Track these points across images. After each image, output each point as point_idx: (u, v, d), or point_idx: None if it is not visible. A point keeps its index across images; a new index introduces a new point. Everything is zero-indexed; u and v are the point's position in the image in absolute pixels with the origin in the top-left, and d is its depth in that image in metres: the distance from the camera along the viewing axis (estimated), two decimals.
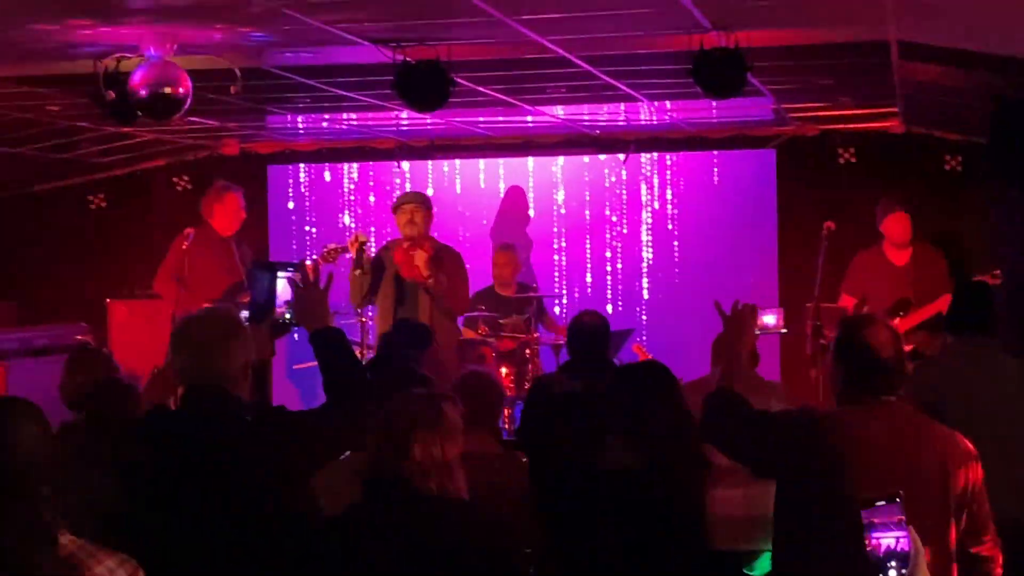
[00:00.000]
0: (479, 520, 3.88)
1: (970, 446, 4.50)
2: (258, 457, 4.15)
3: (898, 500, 2.78)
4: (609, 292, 11.96)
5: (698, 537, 5.08)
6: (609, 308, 11.75)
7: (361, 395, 4.28)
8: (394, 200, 9.62)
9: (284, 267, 4.67)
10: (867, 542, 2.80)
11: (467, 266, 9.57)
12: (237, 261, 9.50)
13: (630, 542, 4.88)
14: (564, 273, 12.06)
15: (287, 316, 4.65)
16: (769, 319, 6.36)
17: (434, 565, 3.71)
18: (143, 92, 6.54)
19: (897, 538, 2.80)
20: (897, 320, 9.00)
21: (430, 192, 11.59)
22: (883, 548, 2.81)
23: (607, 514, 5.09)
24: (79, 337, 10.38)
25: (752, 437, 4.66)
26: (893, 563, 2.83)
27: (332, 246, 9.47)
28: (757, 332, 5.36)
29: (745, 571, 5.37)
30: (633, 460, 4.83)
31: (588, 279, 12.01)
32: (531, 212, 12.11)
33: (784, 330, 8.14)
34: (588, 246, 12.02)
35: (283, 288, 4.64)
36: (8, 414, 3.20)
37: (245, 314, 4.61)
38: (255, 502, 4.12)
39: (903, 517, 2.78)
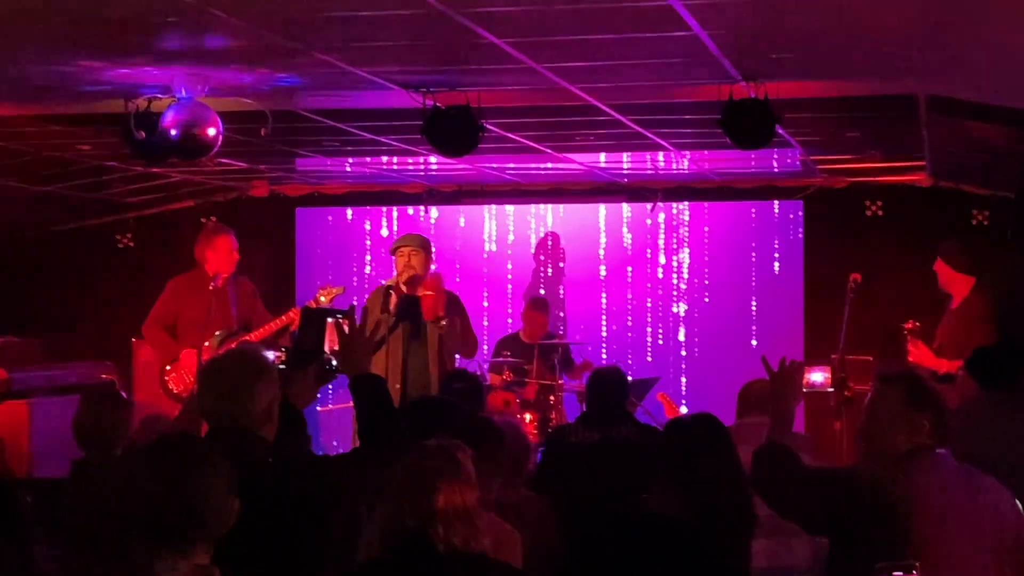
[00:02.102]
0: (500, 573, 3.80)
1: (1015, 498, 4.50)
2: (279, 500, 4.15)
3: (914, 571, 2.78)
4: (642, 340, 11.94)
5: None
6: (642, 357, 11.74)
7: (398, 444, 4.28)
8: (392, 243, 9.56)
9: (333, 314, 4.69)
10: None
11: (494, 312, 9.56)
12: (231, 306, 9.46)
13: None
14: (605, 319, 12.06)
15: (333, 362, 4.65)
16: (816, 377, 6.33)
17: None
18: (174, 133, 6.57)
19: None
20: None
21: (457, 236, 11.63)
22: None
23: (646, 561, 5.06)
24: (104, 376, 10.41)
25: (806, 493, 4.64)
26: None
27: (325, 288, 9.52)
28: (804, 389, 5.32)
29: None
30: (681, 509, 4.81)
31: (613, 327, 12.00)
32: (561, 263, 12.12)
33: (831, 388, 8.14)
34: (604, 295, 12.02)
35: (329, 333, 4.65)
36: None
37: (272, 355, 4.61)
38: (274, 544, 4.12)
39: None
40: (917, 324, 9.32)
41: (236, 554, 4.10)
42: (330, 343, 4.65)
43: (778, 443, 4.74)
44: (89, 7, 5.10)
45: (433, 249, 9.34)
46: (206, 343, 9.22)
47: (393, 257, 9.16)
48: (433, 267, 9.36)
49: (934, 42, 5.50)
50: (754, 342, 11.34)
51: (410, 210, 12.24)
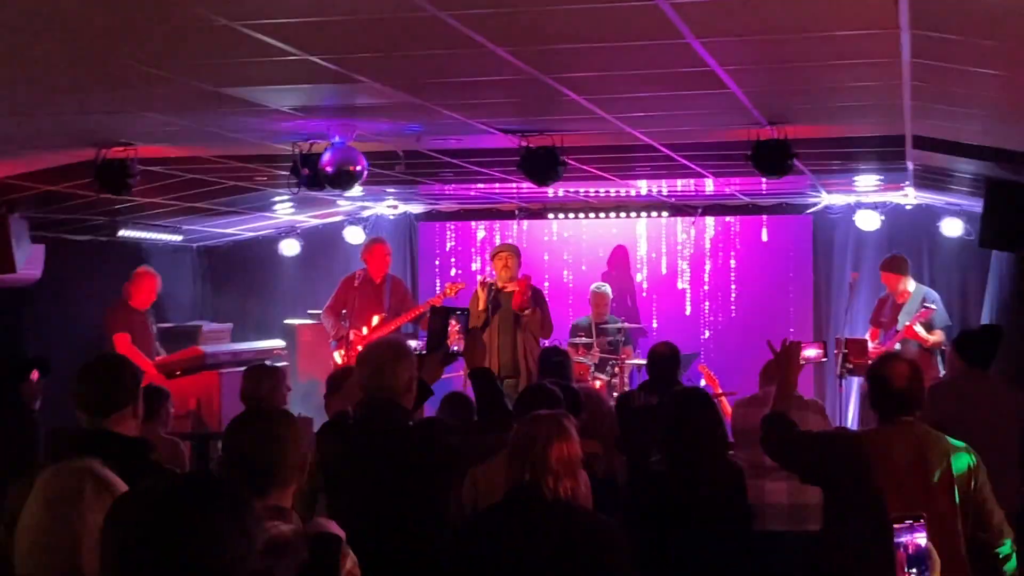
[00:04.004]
0: (601, 525, 3.74)
1: (974, 454, 4.44)
2: (415, 455, 4.20)
3: (922, 520, 2.73)
4: (680, 324, 11.90)
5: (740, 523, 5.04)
6: (680, 336, 11.70)
7: (504, 417, 4.32)
8: (493, 249, 9.78)
9: (454, 312, 4.75)
10: (894, 552, 2.76)
11: (568, 300, 9.61)
12: (384, 298, 9.65)
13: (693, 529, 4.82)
14: (645, 307, 12.04)
15: (454, 349, 4.72)
16: (811, 352, 6.31)
17: (562, 558, 3.59)
18: (330, 170, 6.63)
19: (920, 547, 2.75)
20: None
21: (544, 242, 11.67)
22: (907, 557, 2.76)
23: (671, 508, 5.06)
24: (276, 351, 10.56)
25: (801, 453, 4.65)
26: (914, 570, 2.78)
27: (451, 284, 9.74)
28: (802, 363, 5.30)
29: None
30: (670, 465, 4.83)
31: (664, 312, 11.97)
32: (631, 268, 12.13)
33: (824, 359, 8.13)
34: (664, 288, 12.00)
35: (453, 326, 4.72)
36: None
37: (415, 344, 4.70)
38: (411, 492, 4.16)
39: (925, 533, 2.73)
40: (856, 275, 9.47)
41: (380, 499, 4.17)
42: (451, 334, 4.72)
43: (779, 412, 4.74)
44: (263, 74, 5.18)
45: (519, 253, 9.48)
46: (365, 327, 9.42)
47: (492, 260, 9.29)
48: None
49: (917, 96, 5.45)
50: (774, 327, 11.25)
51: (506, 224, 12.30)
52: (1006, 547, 4.43)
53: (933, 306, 9.34)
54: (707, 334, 11.81)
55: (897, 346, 9.05)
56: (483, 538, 3.74)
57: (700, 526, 4.73)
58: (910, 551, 2.80)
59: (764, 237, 11.71)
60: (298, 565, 2.89)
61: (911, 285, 9.57)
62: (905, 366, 4.56)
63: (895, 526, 2.78)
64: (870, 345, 9.27)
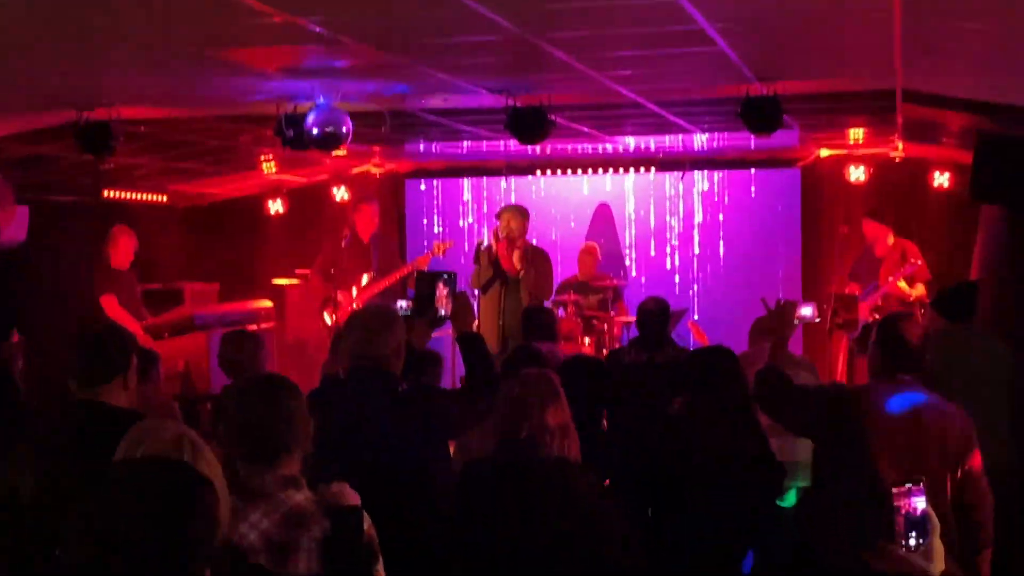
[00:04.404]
0: (589, 479, 3.82)
1: (965, 415, 4.44)
2: (404, 420, 4.17)
3: (922, 484, 2.72)
4: (668, 279, 11.90)
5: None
6: (668, 292, 11.70)
7: (493, 381, 4.31)
8: (498, 210, 9.67)
9: (441, 276, 4.71)
10: (892, 516, 2.75)
11: (556, 258, 9.58)
12: (373, 259, 9.62)
13: (694, 474, 4.82)
14: (633, 264, 12.01)
15: (442, 312, 4.68)
16: (806, 311, 6.27)
17: (554, 508, 3.64)
18: (315, 131, 6.58)
19: (919, 511, 2.74)
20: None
21: (531, 199, 11.63)
22: (905, 521, 2.75)
23: (669, 452, 5.07)
24: (264, 312, 10.52)
25: (793, 407, 4.66)
26: (913, 532, 2.77)
27: (439, 242, 9.70)
28: (796, 322, 5.29)
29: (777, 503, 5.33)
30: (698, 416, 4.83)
31: (652, 269, 11.96)
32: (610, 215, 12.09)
33: (818, 319, 8.11)
34: (653, 243, 11.98)
35: (440, 290, 4.67)
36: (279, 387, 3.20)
37: (404, 304, 4.66)
38: (402, 459, 4.15)
39: (924, 497, 2.72)
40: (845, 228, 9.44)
41: (372, 464, 4.15)
42: (440, 299, 4.67)
43: (773, 367, 4.74)
44: (250, 37, 5.12)
45: (527, 215, 9.34)
46: (354, 287, 9.41)
47: (497, 221, 9.22)
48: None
49: (907, 50, 5.41)
50: (762, 282, 11.24)
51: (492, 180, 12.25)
52: (985, 518, 4.42)
53: (918, 261, 9.35)
54: (696, 289, 11.79)
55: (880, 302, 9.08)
56: (478, 495, 3.77)
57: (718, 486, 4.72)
58: (909, 515, 2.80)
59: (753, 192, 11.67)
60: (320, 536, 2.89)
61: (891, 239, 9.57)
62: (919, 327, 4.59)
63: (894, 490, 2.77)
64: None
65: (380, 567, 2.99)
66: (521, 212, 9.29)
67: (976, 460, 4.38)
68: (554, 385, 3.81)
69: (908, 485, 2.75)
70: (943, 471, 4.30)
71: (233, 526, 2.83)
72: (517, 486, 3.67)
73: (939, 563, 2.82)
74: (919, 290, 9.27)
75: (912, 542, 2.70)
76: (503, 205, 10.16)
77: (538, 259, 9.14)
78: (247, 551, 2.82)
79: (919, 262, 9.30)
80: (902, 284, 9.18)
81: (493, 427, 3.85)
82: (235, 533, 2.82)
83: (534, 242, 9.65)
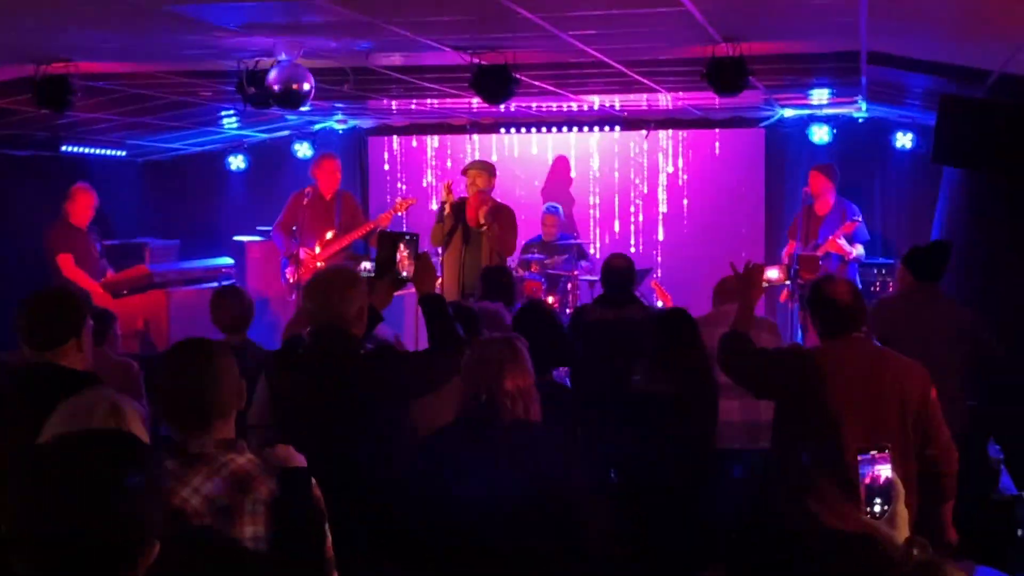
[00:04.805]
0: (552, 437, 3.85)
1: (923, 369, 4.48)
2: (366, 382, 4.15)
3: (886, 450, 2.74)
4: (632, 239, 11.90)
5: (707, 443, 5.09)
6: (632, 250, 11.71)
7: (457, 343, 4.28)
8: (464, 166, 9.60)
9: (403, 236, 4.65)
10: (858, 481, 2.77)
11: (521, 217, 9.53)
12: (335, 216, 9.53)
13: (653, 444, 4.86)
14: (597, 223, 12.00)
15: (403, 274, 4.63)
16: (772, 274, 6.27)
17: (520, 472, 3.65)
18: (277, 88, 6.49)
19: (883, 478, 2.76)
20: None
21: (494, 158, 11.56)
22: (870, 488, 2.77)
23: (632, 420, 5.09)
24: (224, 269, 10.43)
25: (756, 369, 4.69)
26: (878, 499, 2.79)
27: (401, 200, 9.63)
28: (765, 284, 5.30)
29: None
30: (659, 387, 4.84)
31: (616, 228, 11.95)
32: (573, 174, 12.05)
33: (787, 282, 8.14)
34: (616, 202, 11.96)
35: (402, 251, 4.62)
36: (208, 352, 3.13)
37: (369, 266, 4.61)
38: (365, 421, 4.13)
39: (889, 464, 2.74)
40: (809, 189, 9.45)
41: (333, 429, 4.13)
42: (401, 259, 4.62)
43: (738, 331, 4.77)
44: None
45: (493, 171, 9.28)
46: (317, 245, 9.33)
47: (464, 177, 9.15)
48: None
49: (873, 12, 5.38)
50: (726, 241, 11.27)
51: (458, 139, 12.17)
52: (949, 468, 4.48)
53: (858, 218, 9.40)
54: (659, 249, 11.80)
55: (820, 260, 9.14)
56: (440, 459, 3.76)
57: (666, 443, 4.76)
58: (873, 482, 2.82)
59: (717, 151, 11.66)
60: (266, 497, 2.85)
61: (833, 197, 9.62)
62: (845, 284, 4.65)
63: (859, 457, 2.79)
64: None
65: (327, 529, 2.95)
66: (487, 168, 9.23)
67: (936, 410, 4.42)
68: (514, 348, 3.79)
69: (873, 452, 2.76)
70: (904, 424, 4.34)
71: (175, 491, 2.79)
72: (478, 449, 3.67)
73: (903, 529, 2.85)
74: (859, 249, 9.35)
75: (877, 508, 2.72)
76: (469, 160, 10.10)
77: (502, 215, 9.08)
78: (191, 515, 2.78)
79: (859, 219, 9.37)
80: (842, 242, 9.25)
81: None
82: (177, 498, 2.79)
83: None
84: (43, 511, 1.87)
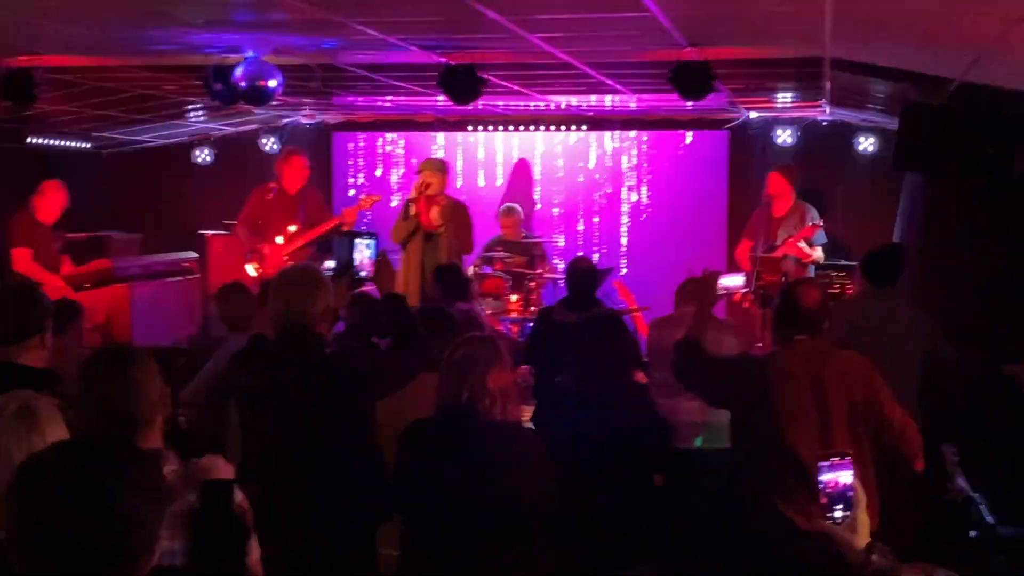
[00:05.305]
0: (531, 437, 3.89)
1: (862, 359, 4.51)
2: (332, 382, 4.15)
3: (847, 457, 2.77)
4: (596, 238, 11.93)
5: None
6: (595, 250, 11.76)
7: (417, 344, 4.30)
8: (417, 166, 9.54)
9: (361, 235, 4.66)
10: (819, 489, 2.79)
11: (482, 214, 9.50)
12: (300, 211, 9.49)
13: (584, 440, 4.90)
14: (561, 222, 12.03)
15: (362, 274, 4.64)
16: (729, 281, 6.33)
17: (498, 472, 3.69)
18: (244, 84, 6.47)
19: (843, 485, 2.80)
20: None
21: (459, 156, 11.59)
22: (831, 494, 2.80)
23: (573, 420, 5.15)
24: (187, 263, 10.38)
25: (706, 378, 4.74)
26: (839, 506, 2.83)
27: (367, 196, 9.59)
28: (722, 292, 5.35)
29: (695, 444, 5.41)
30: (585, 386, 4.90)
31: (580, 227, 11.99)
32: (537, 175, 12.06)
33: (745, 290, 8.16)
34: (581, 202, 11.99)
35: (360, 251, 4.63)
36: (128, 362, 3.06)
37: (326, 266, 4.62)
38: (330, 421, 4.13)
39: (850, 470, 2.77)
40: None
41: (299, 429, 4.13)
42: (360, 259, 4.63)
43: (691, 338, 4.81)
44: None
45: (446, 170, 9.26)
46: (280, 238, 9.30)
47: (417, 177, 9.13)
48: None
49: (838, 20, 5.44)
50: (688, 241, 11.32)
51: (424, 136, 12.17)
52: (914, 444, 4.49)
53: (819, 223, 9.48)
54: (623, 249, 11.85)
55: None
56: (419, 458, 3.77)
57: (609, 444, 4.81)
58: (834, 489, 2.85)
59: (681, 152, 11.72)
60: (185, 510, 2.78)
61: (791, 199, 9.68)
62: (817, 291, 4.67)
63: (819, 464, 2.83)
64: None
65: (254, 543, 2.87)
66: (440, 166, 9.18)
67: (883, 393, 4.44)
68: (496, 348, 3.81)
69: (834, 459, 2.80)
70: (853, 423, 4.37)
71: None
72: (457, 449, 3.69)
73: (863, 535, 2.89)
74: (818, 253, 9.43)
75: (838, 515, 2.76)
76: (423, 160, 10.06)
77: (457, 214, 9.07)
78: None
79: (819, 223, 9.44)
80: (802, 245, 9.31)
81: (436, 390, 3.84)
82: None
83: (459, 198, 9.59)
84: (42, 519, 1.87)
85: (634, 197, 11.83)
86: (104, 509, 1.88)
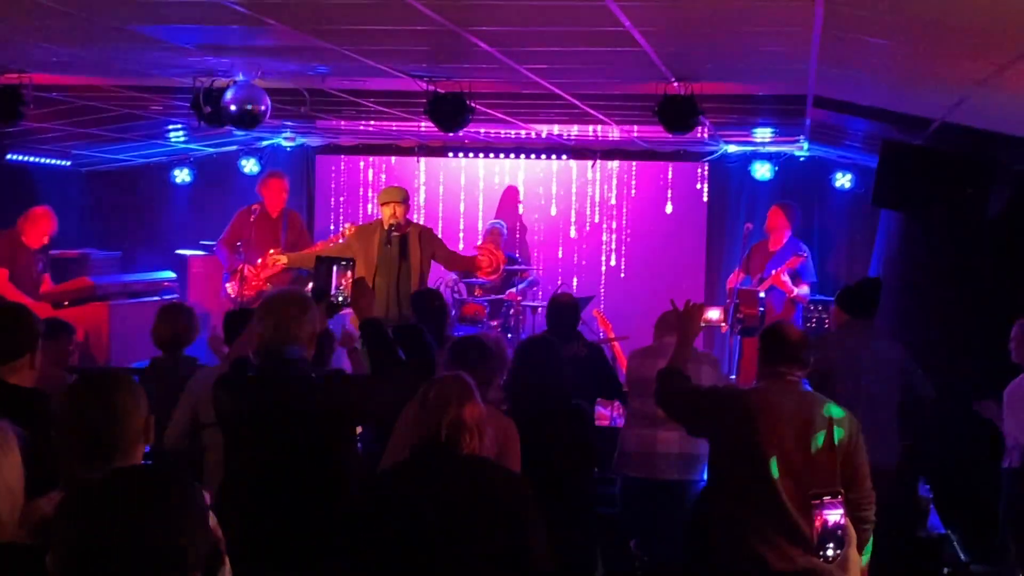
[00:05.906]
0: (512, 477, 3.89)
1: (850, 415, 4.56)
2: (316, 405, 4.16)
3: (839, 496, 2.81)
4: (575, 267, 11.98)
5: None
6: (575, 279, 11.81)
7: (401, 371, 4.32)
8: (380, 195, 9.23)
9: (338, 261, 4.66)
10: (814, 524, 2.82)
11: (466, 240, 9.44)
12: (281, 233, 9.50)
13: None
14: (541, 250, 12.08)
15: (340, 299, 4.64)
16: (713, 314, 6.37)
17: (473, 509, 3.68)
18: (233, 108, 6.48)
19: (834, 523, 2.83)
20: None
21: (441, 181, 11.62)
22: (822, 532, 2.83)
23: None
24: (166, 283, 10.36)
25: (690, 408, 4.78)
26: (830, 544, 2.86)
27: (349, 225, 9.50)
28: (703, 325, 5.40)
29: None
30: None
31: (560, 255, 12.04)
32: (520, 207, 12.11)
33: (724, 323, 8.19)
34: (560, 231, 12.05)
35: (336, 277, 4.62)
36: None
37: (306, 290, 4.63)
38: (314, 446, 4.13)
39: (840, 509, 2.80)
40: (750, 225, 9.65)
41: (283, 454, 4.13)
42: (337, 282, 4.62)
43: (673, 367, 4.85)
44: (173, 13, 5.03)
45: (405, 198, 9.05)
46: (260, 260, 9.29)
47: (381, 207, 8.87)
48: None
49: (823, 60, 5.53)
50: (667, 273, 11.38)
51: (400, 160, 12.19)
52: (870, 515, 4.52)
53: (804, 254, 9.57)
54: (603, 279, 11.90)
55: (762, 294, 9.25)
56: (396, 495, 3.75)
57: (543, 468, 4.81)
58: (825, 527, 2.89)
59: (661, 184, 11.80)
60: None
61: (787, 236, 9.80)
62: (797, 328, 4.77)
63: (812, 502, 2.85)
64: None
65: (226, 570, 2.81)
66: (404, 195, 8.84)
67: (862, 456, 4.48)
68: (469, 384, 3.84)
69: (825, 498, 2.83)
70: (834, 468, 4.40)
71: None
72: (432, 485, 3.69)
73: (854, 573, 2.92)
74: (804, 289, 9.51)
75: (829, 553, 2.78)
76: (383, 190, 9.69)
77: (430, 238, 8.84)
78: None
79: (805, 255, 9.54)
80: (785, 278, 9.39)
81: (412, 426, 3.86)
82: None
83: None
84: (101, 543, 1.92)
85: (613, 226, 11.89)
86: (161, 534, 1.94)
